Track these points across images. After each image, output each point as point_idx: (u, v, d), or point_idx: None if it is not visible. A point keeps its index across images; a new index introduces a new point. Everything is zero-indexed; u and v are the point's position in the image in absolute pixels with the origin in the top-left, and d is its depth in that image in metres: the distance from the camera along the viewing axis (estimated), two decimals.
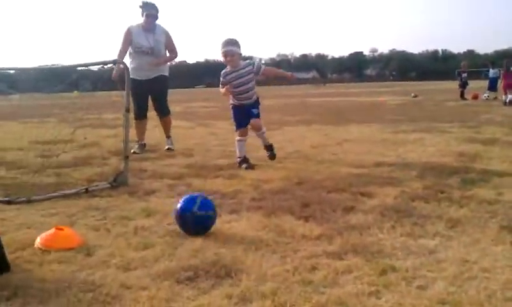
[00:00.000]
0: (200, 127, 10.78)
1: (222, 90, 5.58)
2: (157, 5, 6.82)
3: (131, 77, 6.44)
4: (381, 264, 2.44)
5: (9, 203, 3.91)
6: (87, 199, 4.10)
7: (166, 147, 6.97)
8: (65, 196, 4.17)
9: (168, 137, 7.20)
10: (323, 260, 2.53)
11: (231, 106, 5.72)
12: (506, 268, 2.39)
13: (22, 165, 5.64)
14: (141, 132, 7.05)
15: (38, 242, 2.85)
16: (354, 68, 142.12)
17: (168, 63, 7.35)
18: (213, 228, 3.12)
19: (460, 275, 2.31)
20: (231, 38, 5.51)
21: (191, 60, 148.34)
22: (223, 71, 5.60)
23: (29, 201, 3.96)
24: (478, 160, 5.37)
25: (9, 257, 2.55)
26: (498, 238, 2.84)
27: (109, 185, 4.52)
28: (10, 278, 2.37)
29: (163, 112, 7.18)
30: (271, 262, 2.52)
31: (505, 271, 2.36)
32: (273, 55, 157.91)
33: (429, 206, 3.56)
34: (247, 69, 5.52)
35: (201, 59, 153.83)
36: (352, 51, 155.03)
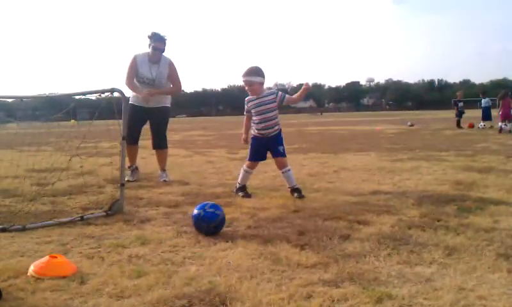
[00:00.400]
0: (197, 155, 10.78)
1: (242, 137, 5.68)
2: (166, 37, 6.72)
3: (131, 102, 6.53)
4: (377, 292, 2.42)
5: (3, 230, 3.88)
6: (82, 227, 4.07)
7: (161, 180, 6.76)
8: (60, 224, 4.14)
9: (163, 170, 6.96)
10: (319, 288, 2.50)
11: (252, 136, 5.57)
12: (503, 296, 2.38)
13: (17, 193, 5.61)
14: (132, 155, 6.92)
15: (31, 269, 2.82)
16: (351, 97, 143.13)
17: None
18: (208, 256, 3.10)
19: (456, 303, 2.29)
20: (253, 66, 5.42)
21: (189, 89, 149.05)
22: (247, 98, 5.57)
23: (23, 229, 3.93)
24: (474, 189, 5.36)
25: (2, 285, 2.53)
26: (494, 265, 2.83)
27: (104, 213, 4.49)
28: (2, 306, 2.34)
29: (160, 145, 6.98)
30: (266, 290, 2.50)
31: (502, 298, 2.34)
32: (271, 84, 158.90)
33: (425, 234, 3.54)
34: (270, 97, 5.41)
35: (199, 89, 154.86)
36: (349, 80, 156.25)
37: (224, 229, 3.86)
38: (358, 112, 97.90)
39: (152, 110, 6.74)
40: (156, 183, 6.47)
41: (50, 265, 2.83)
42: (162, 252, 3.27)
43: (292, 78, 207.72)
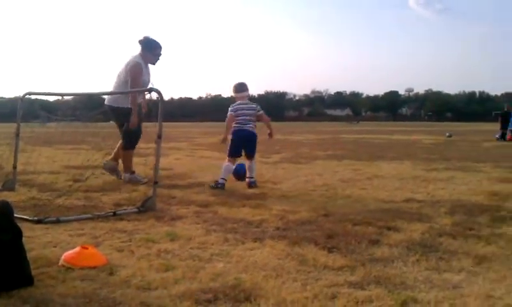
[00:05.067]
0: None
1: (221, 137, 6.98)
2: None
3: (129, 106, 6.46)
4: (402, 295, 2.40)
5: (38, 222, 4.00)
6: (114, 222, 4.16)
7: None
8: (93, 219, 4.25)
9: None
10: (344, 289, 2.50)
11: (232, 132, 6.70)
12: None
13: (53, 188, 5.77)
14: (132, 160, 6.83)
15: (62, 259, 2.90)
16: (389, 106, 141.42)
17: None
18: (235, 254, 3.14)
19: None
20: (240, 82, 6.92)
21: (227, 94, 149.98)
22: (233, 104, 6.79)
23: (57, 221, 4.05)
24: (510, 200, 5.24)
25: (34, 272, 2.61)
26: None
27: (136, 210, 4.58)
28: (33, 292, 2.42)
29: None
30: (291, 289, 2.51)
31: None
32: (307, 91, 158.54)
33: (456, 242, 3.49)
34: (251, 105, 6.76)
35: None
36: (387, 90, 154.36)
37: (253, 229, 3.90)
38: (396, 122, 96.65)
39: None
40: (189, 184, 6.56)
41: (81, 256, 2.90)
42: (190, 248, 3.31)
43: (330, 86, 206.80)
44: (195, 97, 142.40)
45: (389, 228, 3.91)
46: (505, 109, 21.80)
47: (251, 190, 5.94)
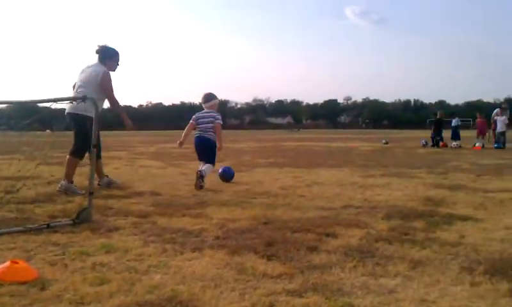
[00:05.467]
0: (171, 167, 10.72)
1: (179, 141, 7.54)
2: None
3: (92, 115, 6.25)
4: (339, 302, 2.42)
5: None
6: (48, 234, 3.99)
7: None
8: (25, 231, 4.06)
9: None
10: (282, 298, 2.50)
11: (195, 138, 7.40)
12: None
13: None
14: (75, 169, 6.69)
15: None
16: (329, 114, 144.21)
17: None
18: (173, 265, 3.09)
19: None
20: (206, 93, 7.55)
21: (168, 102, 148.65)
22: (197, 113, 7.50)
23: None
24: (443, 205, 5.43)
25: None
26: (458, 278, 2.86)
27: (71, 222, 4.42)
28: None
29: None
30: (229, 299, 2.48)
31: None
32: (249, 100, 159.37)
33: (392, 247, 3.57)
34: (211, 114, 7.34)
35: (177, 102, 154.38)
36: (326, 98, 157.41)
37: (192, 239, 3.85)
38: (335, 130, 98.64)
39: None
40: (127, 193, 6.41)
41: (10, 270, 2.77)
42: (127, 260, 3.23)
43: (271, 95, 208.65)
44: (135, 105, 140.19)
45: (327, 235, 3.95)
46: (438, 116, 22.69)
47: (192, 200, 5.87)
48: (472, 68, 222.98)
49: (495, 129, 21.17)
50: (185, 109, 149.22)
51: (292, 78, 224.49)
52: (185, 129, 7.43)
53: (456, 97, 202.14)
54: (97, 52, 6.94)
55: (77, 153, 6.66)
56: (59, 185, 6.51)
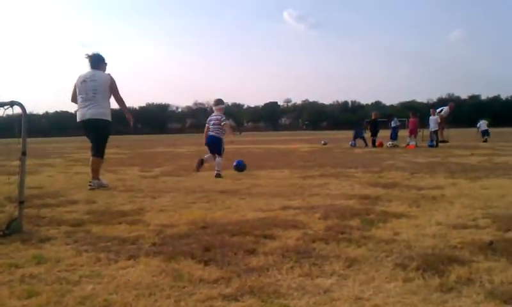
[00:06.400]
0: (108, 174, 10.42)
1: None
2: None
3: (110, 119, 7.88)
4: (275, 304, 2.42)
5: None
6: None
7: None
8: None
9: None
10: (218, 303, 2.46)
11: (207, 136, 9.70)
12: (397, 304, 2.44)
13: None
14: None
15: None
16: (269, 117, 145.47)
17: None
18: (106, 275, 2.99)
19: None
20: (217, 98, 10.17)
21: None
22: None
23: None
24: (379, 203, 5.56)
25: None
26: (391, 275, 2.91)
27: (1, 233, 4.22)
28: None
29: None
30: None
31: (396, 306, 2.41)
32: (190, 103, 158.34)
33: (328, 247, 3.60)
34: (218, 117, 9.63)
35: (115, 106, 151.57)
36: (267, 101, 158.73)
37: (128, 246, 3.75)
38: (276, 132, 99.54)
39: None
40: (61, 202, 6.19)
41: None
42: (58, 271, 3.10)
43: (211, 98, 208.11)
44: (72, 110, 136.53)
45: (265, 237, 3.95)
46: (373, 117, 23.34)
47: (129, 206, 5.73)
48: (405, 69, 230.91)
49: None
50: (121, 113, 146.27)
51: (233, 82, 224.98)
52: (205, 131, 9.82)
53: (391, 98, 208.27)
54: (93, 58, 7.84)
55: (101, 153, 7.84)
56: (91, 184, 7.58)
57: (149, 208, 5.54)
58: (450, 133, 26.84)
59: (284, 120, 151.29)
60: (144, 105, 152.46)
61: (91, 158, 7.80)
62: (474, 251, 3.43)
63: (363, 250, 3.50)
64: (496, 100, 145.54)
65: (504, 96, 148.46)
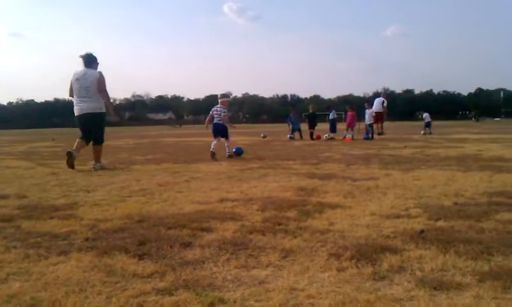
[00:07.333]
0: (40, 167, 10.08)
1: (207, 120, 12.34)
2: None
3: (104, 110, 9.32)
4: (210, 297, 2.39)
5: None
6: None
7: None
8: None
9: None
10: (151, 297, 2.42)
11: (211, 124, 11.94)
12: (330, 294, 2.47)
13: None
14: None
15: None
16: (210, 110, 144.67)
17: None
18: (35, 272, 2.88)
19: (286, 303, 2.34)
20: (223, 93, 12.44)
21: (39, 99, 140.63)
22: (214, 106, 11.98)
23: None
24: (315, 194, 5.63)
25: None
26: (326, 265, 2.95)
27: None
28: None
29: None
30: (94, 303, 2.36)
31: (329, 296, 2.44)
32: (128, 95, 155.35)
33: (265, 238, 3.61)
34: (221, 109, 11.80)
35: (50, 98, 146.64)
36: (208, 94, 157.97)
37: (59, 242, 3.63)
38: None
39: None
40: None
41: None
42: None
43: (151, 90, 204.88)
44: (4, 102, 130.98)
45: (202, 229, 3.92)
46: (311, 111, 23.73)
47: (62, 201, 5.53)
48: (343, 64, 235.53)
49: (377, 121, 22.68)
50: (59, 105, 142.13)
51: (173, 74, 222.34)
52: (207, 118, 12.25)
53: (329, 92, 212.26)
54: (86, 57, 9.07)
55: (100, 141, 9.36)
56: (94, 166, 9.11)
57: (83, 203, 5.38)
58: (385, 126, 27.55)
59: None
60: None
61: (93, 146, 9.33)
62: (406, 239, 3.54)
63: (298, 241, 3.53)
64: (429, 94, 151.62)
65: (436, 91, 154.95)
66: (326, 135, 21.92)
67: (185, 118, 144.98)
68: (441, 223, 4.07)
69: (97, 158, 9.26)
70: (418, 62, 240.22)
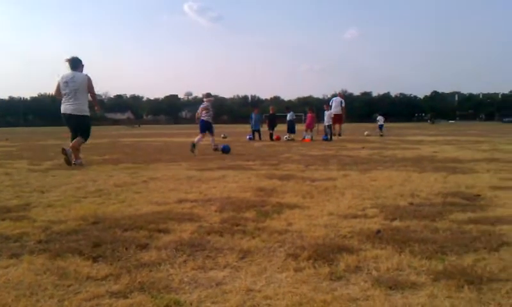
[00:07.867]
0: None
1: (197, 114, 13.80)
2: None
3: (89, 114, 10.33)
4: (165, 299, 2.36)
5: None
6: None
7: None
8: None
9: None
10: (105, 301, 2.36)
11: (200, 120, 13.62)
12: (287, 294, 2.47)
13: None
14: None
15: None
16: (170, 110, 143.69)
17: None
18: None
19: (243, 304, 2.33)
20: (207, 92, 14.24)
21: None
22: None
23: None
24: (274, 195, 5.64)
25: None
26: (283, 265, 2.95)
27: None
28: None
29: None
30: None
31: (286, 297, 2.44)
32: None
33: (223, 239, 3.59)
34: (205, 106, 13.56)
35: (5, 97, 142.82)
36: (167, 93, 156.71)
37: (10, 244, 3.51)
38: (176, 125, 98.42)
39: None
40: None
41: None
42: None
43: (109, 89, 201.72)
44: None
45: (160, 231, 3.86)
46: (271, 112, 23.89)
47: (14, 201, 5.36)
48: (303, 66, 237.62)
49: (336, 123, 22.89)
50: (13, 103, 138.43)
51: (132, 74, 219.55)
52: (196, 114, 13.86)
53: (289, 93, 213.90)
54: (72, 61, 9.68)
55: (87, 136, 10.12)
56: (77, 162, 9.56)
57: (36, 204, 5.23)
58: (343, 127, 27.91)
59: (185, 113, 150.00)
60: (37, 95, 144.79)
61: (76, 138, 9.79)
62: (362, 239, 3.57)
63: (256, 241, 3.52)
64: (386, 97, 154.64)
65: (393, 94, 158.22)
66: (286, 136, 22.07)
67: (145, 117, 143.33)
68: (397, 223, 4.13)
69: (76, 153, 9.67)
70: (376, 65, 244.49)
